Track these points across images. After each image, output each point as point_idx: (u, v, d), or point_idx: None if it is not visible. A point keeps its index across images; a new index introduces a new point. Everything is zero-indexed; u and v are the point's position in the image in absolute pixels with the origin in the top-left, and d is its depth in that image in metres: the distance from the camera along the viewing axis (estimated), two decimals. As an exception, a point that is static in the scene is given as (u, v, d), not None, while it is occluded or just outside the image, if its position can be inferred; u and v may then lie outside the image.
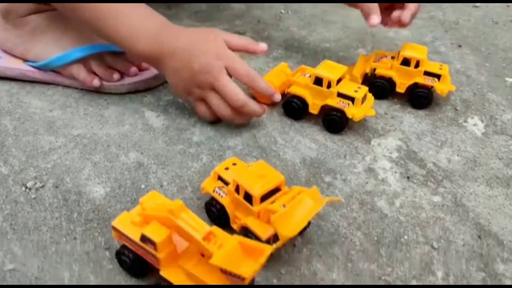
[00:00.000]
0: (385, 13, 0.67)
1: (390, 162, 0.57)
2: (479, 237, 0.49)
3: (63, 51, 0.63)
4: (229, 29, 0.83)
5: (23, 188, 0.52)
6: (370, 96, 0.62)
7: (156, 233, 0.39)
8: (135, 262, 0.42)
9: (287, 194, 0.45)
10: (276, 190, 0.45)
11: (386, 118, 0.65)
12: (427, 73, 0.65)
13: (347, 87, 0.60)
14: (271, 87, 0.59)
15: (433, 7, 0.95)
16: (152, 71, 0.67)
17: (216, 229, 0.40)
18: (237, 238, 0.38)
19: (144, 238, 0.39)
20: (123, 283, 0.43)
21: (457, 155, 0.59)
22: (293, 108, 0.62)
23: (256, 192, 0.43)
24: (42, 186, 0.52)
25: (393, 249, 0.47)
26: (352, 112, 0.59)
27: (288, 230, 0.41)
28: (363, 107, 0.60)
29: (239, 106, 0.56)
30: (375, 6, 0.64)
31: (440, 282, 0.44)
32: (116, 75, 0.65)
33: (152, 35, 0.57)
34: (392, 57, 0.68)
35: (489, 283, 0.44)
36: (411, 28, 0.86)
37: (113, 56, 0.66)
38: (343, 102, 0.59)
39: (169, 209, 0.39)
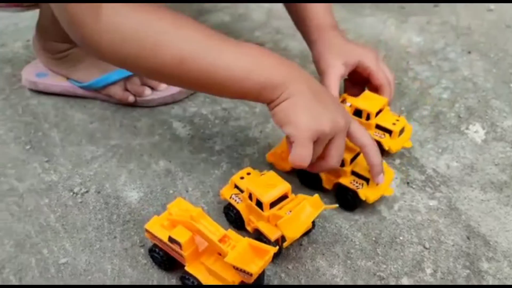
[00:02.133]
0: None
1: (393, 168, 0.63)
2: (468, 238, 0.54)
3: (102, 74, 0.71)
4: (249, 40, 0.89)
5: (71, 193, 0.61)
6: (408, 128, 0.64)
7: (181, 235, 0.47)
8: (165, 258, 0.50)
9: (293, 200, 0.52)
10: (283, 197, 0.52)
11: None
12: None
13: (386, 119, 0.63)
14: (382, 167, 0.55)
15: (447, 12, 0.99)
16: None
17: (230, 232, 0.47)
18: (247, 240, 0.46)
19: (171, 239, 0.47)
20: (155, 276, 0.51)
21: (456, 162, 0.64)
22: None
23: (266, 199, 0.50)
24: (87, 192, 0.61)
25: (388, 248, 0.54)
26: (389, 144, 0.62)
27: (293, 232, 0.48)
28: (400, 139, 0.63)
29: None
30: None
31: (428, 278, 0.51)
32: (147, 91, 0.73)
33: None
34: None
35: (473, 279, 0.50)
36: (423, 34, 0.91)
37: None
38: (379, 133, 0.62)
39: (191, 215, 0.46)
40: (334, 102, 0.53)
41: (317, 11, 0.69)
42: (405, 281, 0.50)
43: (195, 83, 0.51)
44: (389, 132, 0.62)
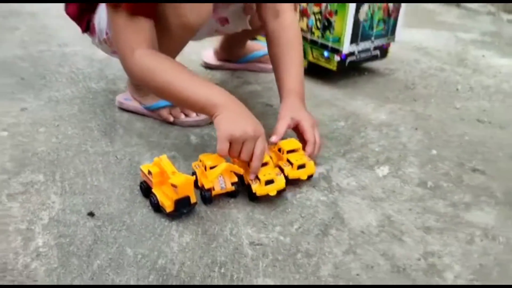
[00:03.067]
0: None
1: (313, 182, 0.94)
2: (333, 218, 0.83)
3: (156, 102, 1.16)
4: (269, 100, 1.28)
5: (115, 158, 1.02)
6: (311, 166, 0.91)
7: (153, 170, 0.84)
8: (145, 186, 0.87)
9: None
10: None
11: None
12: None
13: (294, 157, 0.91)
14: (257, 171, 0.87)
15: (421, 105, 1.28)
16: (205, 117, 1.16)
17: (177, 173, 0.83)
18: (186, 177, 0.81)
19: (149, 172, 0.85)
20: (140, 198, 0.88)
21: (355, 182, 0.93)
22: None
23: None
24: (123, 159, 1.01)
25: (279, 214, 0.84)
26: (288, 172, 0.90)
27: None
28: (299, 171, 0.91)
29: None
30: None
31: (294, 231, 0.79)
32: (182, 116, 1.15)
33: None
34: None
35: (321, 235, 0.78)
36: (390, 115, 1.22)
37: (182, 105, 1.16)
38: (286, 164, 0.92)
39: (160, 161, 0.84)
40: (250, 119, 0.88)
41: (291, 78, 1.06)
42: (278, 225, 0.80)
43: (174, 99, 0.93)
44: (291, 164, 0.92)
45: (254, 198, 0.88)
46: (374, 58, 1.42)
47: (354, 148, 1.06)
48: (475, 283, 0.71)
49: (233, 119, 0.87)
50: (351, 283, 0.71)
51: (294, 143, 0.95)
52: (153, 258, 0.76)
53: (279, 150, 0.95)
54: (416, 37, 1.80)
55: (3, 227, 0.81)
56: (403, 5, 1.38)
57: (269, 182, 0.87)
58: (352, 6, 1.27)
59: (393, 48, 1.61)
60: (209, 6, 0.97)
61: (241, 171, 0.88)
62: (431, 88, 1.38)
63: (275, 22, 1.09)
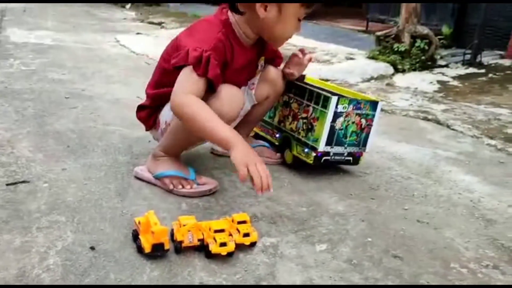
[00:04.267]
0: None
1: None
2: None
3: (161, 171, 1.50)
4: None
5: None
6: (254, 236, 1.20)
7: (142, 220, 1.15)
8: (135, 232, 1.18)
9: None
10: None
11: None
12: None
13: (243, 228, 1.20)
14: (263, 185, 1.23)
15: (374, 203, 1.54)
16: (199, 189, 1.47)
17: (158, 225, 1.13)
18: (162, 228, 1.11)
19: (139, 222, 1.16)
20: (130, 243, 1.18)
21: (295, 252, 1.19)
22: None
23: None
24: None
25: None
26: (235, 238, 1.18)
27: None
28: (244, 238, 1.19)
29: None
30: None
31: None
32: (180, 187, 1.48)
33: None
34: None
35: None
36: (346, 206, 1.48)
37: (182, 178, 1.49)
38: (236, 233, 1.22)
39: (148, 215, 1.15)
40: (255, 153, 1.28)
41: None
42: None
43: (197, 131, 1.34)
44: (239, 232, 1.19)
45: (209, 256, 1.15)
46: (347, 162, 1.71)
47: (305, 228, 1.33)
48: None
49: (245, 153, 1.26)
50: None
51: (244, 216, 1.24)
52: (128, 282, 1.04)
53: (233, 220, 1.23)
54: (401, 149, 2.08)
55: (28, 248, 1.14)
56: (374, 124, 1.69)
57: (223, 244, 1.14)
58: (330, 116, 1.59)
59: (374, 157, 1.91)
60: (241, 99, 1.46)
61: (205, 230, 1.17)
62: (391, 191, 1.64)
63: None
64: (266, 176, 1.23)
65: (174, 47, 1.47)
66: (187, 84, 1.34)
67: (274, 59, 1.74)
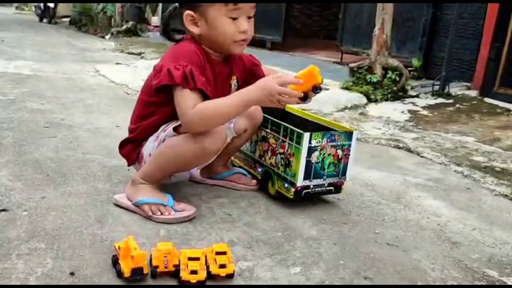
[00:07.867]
0: None
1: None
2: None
3: (140, 198, 1.54)
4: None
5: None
6: (230, 268, 1.23)
7: (122, 245, 1.19)
8: (114, 258, 1.21)
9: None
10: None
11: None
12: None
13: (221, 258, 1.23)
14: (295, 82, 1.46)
15: (346, 227, 1.60)
16: (178, 216, 1.51)
17: (137, 249, 1.17)
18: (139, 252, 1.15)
19: (118, 247, 1.19)
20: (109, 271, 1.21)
21: (270, 275, 1.24)
22: None
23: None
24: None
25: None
26: (212, 270, 1.22)
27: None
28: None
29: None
30: None
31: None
32: (159, 213, 1.52)
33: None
34: None
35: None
36: (320, 231, 1.54)
37: (160, 204, 1.53)
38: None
39: (127, 240, 1.19)
40: (266, 90, 1.43)
41: None
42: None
43: (226, 116, 1.49)
44: (216, 262, 1.23)
45: (180, 282, 1.19)
46: (328, 192, 1.76)
47: (280, 252, 1.38)
48: None
49: (260, 94, 1.44)
50: None
51: (223, 247, 1.27)
52: (106, 306, 1.07)
53: (212, 251, 1.26)
54: (372, 176, 2.17)
55: (7, 275, 1.17)
56: (351, 153, 1.76)
57: (194, 272, 1.18)
58: (304, 152, 1.65)
59: (346, 183, 1.98)
60: (224, 134, 1.52)
61: (181, 256, 1.20)
62: (362, 216, 1.71)
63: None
64: (290, 93, 1.42)
65: (153, 77, 1.54)
66: (187, 101, 1.43)
67: (254, 71, 1.76)
